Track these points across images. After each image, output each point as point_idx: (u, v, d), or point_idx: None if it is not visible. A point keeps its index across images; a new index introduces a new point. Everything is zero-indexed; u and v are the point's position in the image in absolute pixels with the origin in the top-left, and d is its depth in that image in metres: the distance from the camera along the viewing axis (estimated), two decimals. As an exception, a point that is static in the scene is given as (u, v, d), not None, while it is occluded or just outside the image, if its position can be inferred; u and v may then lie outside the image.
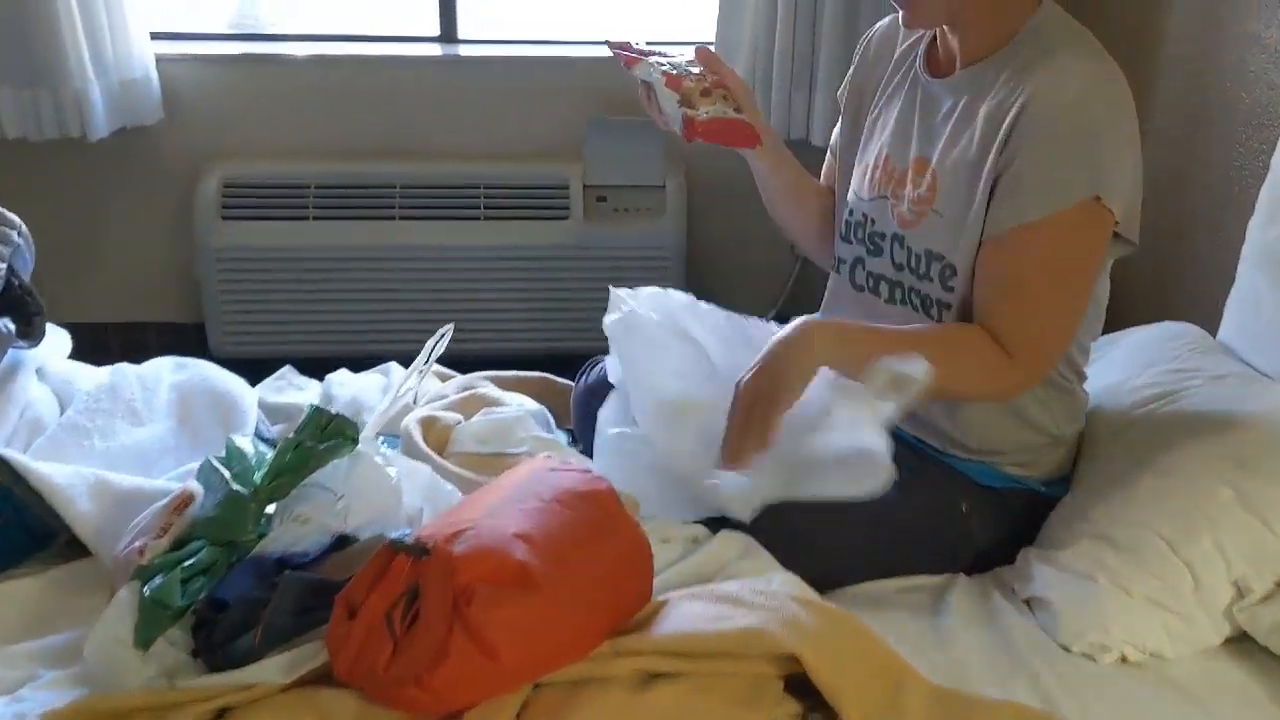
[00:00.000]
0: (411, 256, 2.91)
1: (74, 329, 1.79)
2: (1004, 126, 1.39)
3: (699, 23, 2.97)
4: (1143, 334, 1.80)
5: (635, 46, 1.57)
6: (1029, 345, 1.40)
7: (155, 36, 2.84)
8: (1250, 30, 2.07)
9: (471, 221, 2.91)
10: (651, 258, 2.94)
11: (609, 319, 1.54)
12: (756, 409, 1.33)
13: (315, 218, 2.88)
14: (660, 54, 1.56)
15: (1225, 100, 2.14)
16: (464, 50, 3.03)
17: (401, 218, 2.90)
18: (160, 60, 2.83)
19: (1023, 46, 1.44)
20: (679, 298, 1.58)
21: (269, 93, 2.94)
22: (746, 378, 1.35)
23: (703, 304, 1.59)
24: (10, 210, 1.68)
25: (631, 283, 2.87)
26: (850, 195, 1.65)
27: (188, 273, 2.98)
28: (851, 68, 1.71)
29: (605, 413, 1.55)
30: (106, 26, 2.71)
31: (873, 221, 1.59)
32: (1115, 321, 1.69)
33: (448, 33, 3.05)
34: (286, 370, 1.91)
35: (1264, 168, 1.77)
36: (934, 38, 1.58)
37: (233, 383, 1.74)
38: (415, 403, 1.69)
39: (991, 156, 1.40)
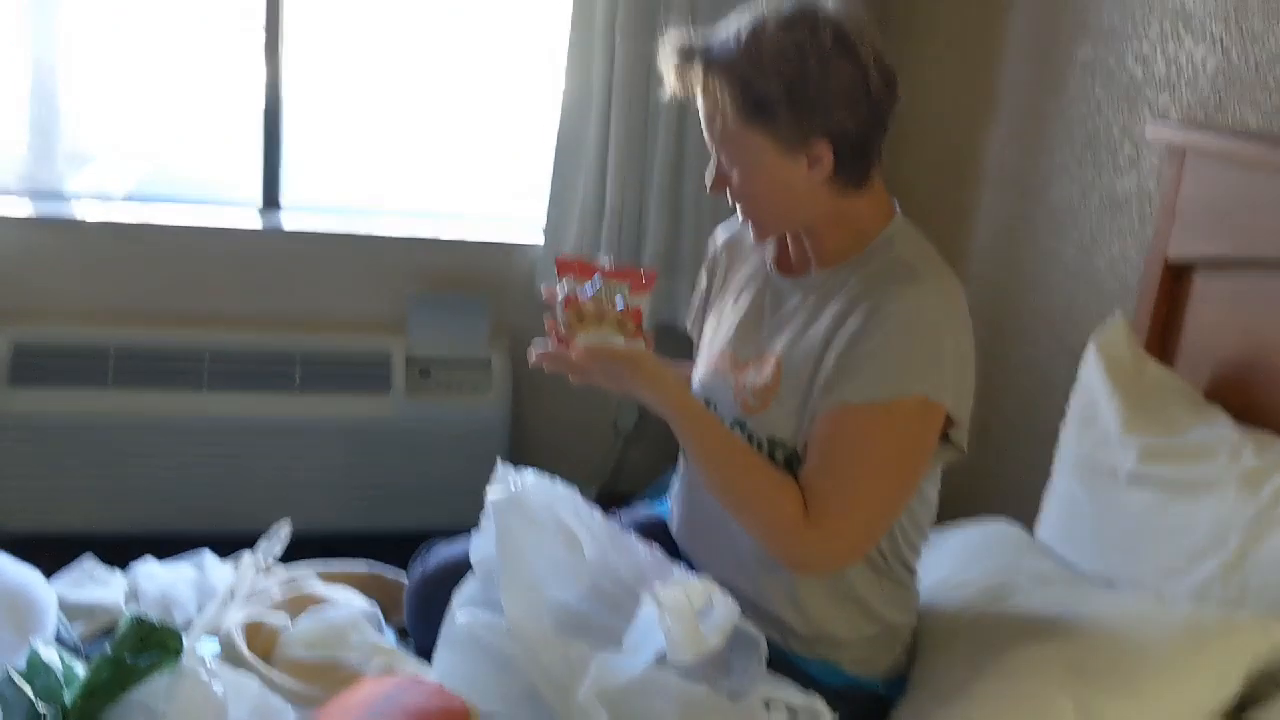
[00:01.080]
0: (221, 429, 2.77)
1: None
2: (850, 320, 1.45)
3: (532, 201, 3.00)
4: (966, 533, 1.85)
5: (588, 262, 1.55)
6: (830, 518, 1.42)
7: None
8: (1047, 247, 2.24)
9: (286, 393, 2.80)
10: (476, 433, 2.89)
11: (494, 493, 1.49)
12: (576, 366, 1.45)
13: (116, 385, 2.72)
14: (602, 275, 1.52)
15: (1028, 311, 2.29)
16: (287, 220, 2.97)
17: (211, 387, 2.77)
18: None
19: (876, 254, 1.50)
20: (563, 490, 1.56)
21: (67, 252, 2.79)
22: (591, 357, 1.45)
23: (584, 502, 1.57)
24: None
25: (454, 458, 2.87)
26: (694, 380, 1.68)
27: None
28: (705, 262, 1.77)
29: (461, 596, 1.49)
30: None
31: (714, 406, 1.61)
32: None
33: (270, 199, 2.98)
34: (86, 560, 1.75)
35: (1070, 374, 1.89)
36: (784, 239, 1.64)
37: (26, 576, 1.58)
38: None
39: (835, 346, 1.45)
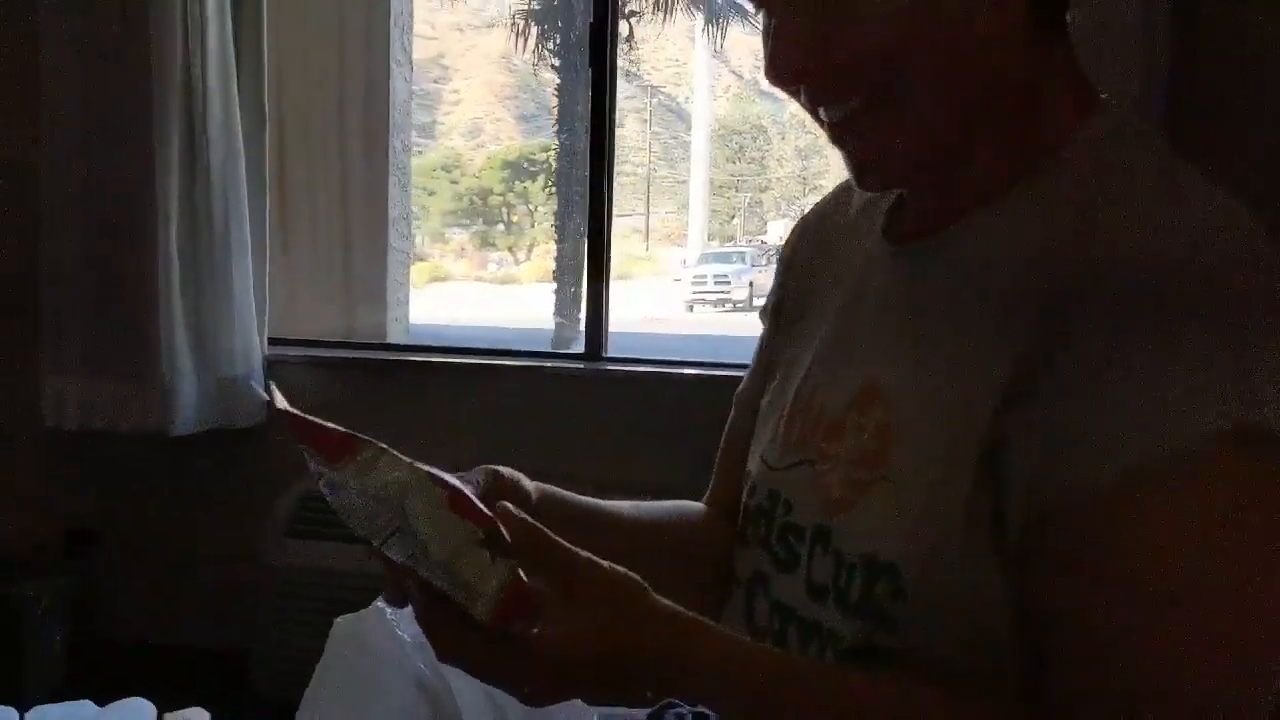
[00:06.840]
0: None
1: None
2: (1040, 308, 0.70)
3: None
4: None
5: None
6: None
7: (274, 342, 2.75)
8: None
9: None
10: None
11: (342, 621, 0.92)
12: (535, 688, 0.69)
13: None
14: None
15: None
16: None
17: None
18: (271, 362, 2.68)
19: (1076, 162, 0.76)
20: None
21: (384, 397, 2.69)
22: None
23: None
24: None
25: None
26: (753, 466, 0.97)
27: (246, 597, 2.61)
28: (777, 281, 1.06)
29: None
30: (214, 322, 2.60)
31: (787, 506, 0.89)
32: None
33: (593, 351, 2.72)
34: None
35: None
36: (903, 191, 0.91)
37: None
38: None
39: (1010, 363, 0.70)
